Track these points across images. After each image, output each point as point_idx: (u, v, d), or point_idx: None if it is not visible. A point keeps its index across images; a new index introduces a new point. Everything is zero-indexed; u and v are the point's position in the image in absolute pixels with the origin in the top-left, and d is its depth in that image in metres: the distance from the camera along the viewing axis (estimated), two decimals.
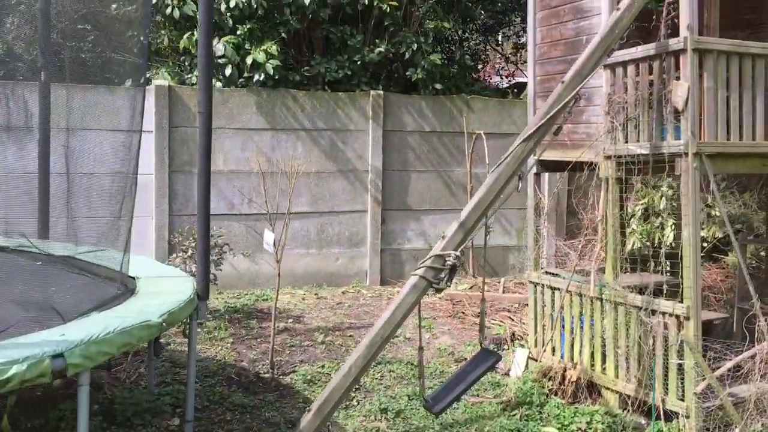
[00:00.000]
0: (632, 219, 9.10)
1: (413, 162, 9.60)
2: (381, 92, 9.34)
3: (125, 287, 4.30)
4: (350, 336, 7.28)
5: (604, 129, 5.64)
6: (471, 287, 9.05)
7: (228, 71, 8.64)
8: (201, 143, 4.26)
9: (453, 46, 10.60)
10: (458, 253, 4.44)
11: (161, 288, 4.42)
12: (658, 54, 5.14)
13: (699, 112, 5.06)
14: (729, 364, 5.05)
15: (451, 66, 10.19)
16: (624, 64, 5.45)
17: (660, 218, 8.58)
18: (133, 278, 4.63)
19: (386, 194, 9.49)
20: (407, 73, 9.60)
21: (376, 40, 9.48)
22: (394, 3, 9.37)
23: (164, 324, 3.57)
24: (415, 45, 9.42)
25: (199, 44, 4.17)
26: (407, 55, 9.50)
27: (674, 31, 5.11)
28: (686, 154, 4.99)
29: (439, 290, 4.51)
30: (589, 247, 6.11)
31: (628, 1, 4.83)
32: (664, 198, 8.73)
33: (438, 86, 9.72)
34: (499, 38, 11.31)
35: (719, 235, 8.69)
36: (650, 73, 5.25)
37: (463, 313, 8.29)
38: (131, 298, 4.22)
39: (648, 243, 8.53)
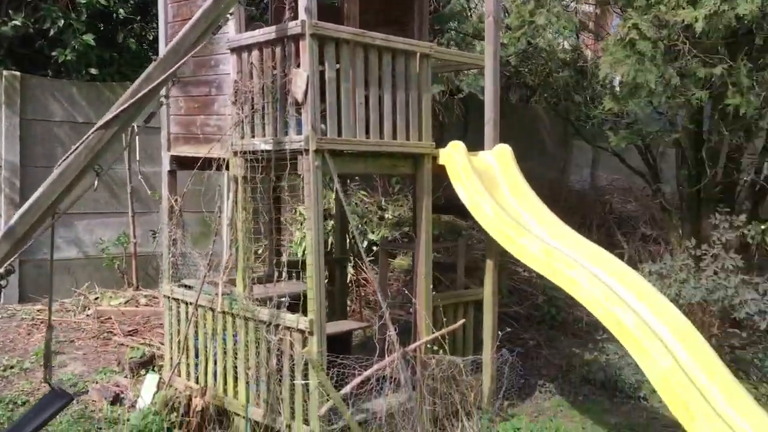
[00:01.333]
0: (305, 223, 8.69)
1: (62, 157, 8.18)
2: (18, 74, 7.80)
3: None
4: None
5: (232, 121, 4.98)
6: (127, 301, 7.95)
7: None
8: None
9: (116, 26, 9.21)
10: (1, 270, 3.42)
11: None
12: (280, 38, 4.58)
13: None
14: (355, 381, 4.65)
15: (112, 49, 8.93)
16: (249, 48, 4.82)
17: (333, 221, 8.22)
18: None
19: (26, 195, 7.92)
20: (54, 54, 8.19)
21: (10, 12, 7.93)
22: None
23: None
24: (62, 21, 8.05)
25: None
26: (52, 32, 8.09)
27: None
28: (307, 151, 4.50)
29: None
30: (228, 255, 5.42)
31: None
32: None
33: (93, 71, 8.44)
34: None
35: (389, 238, 8.59)
36: (273, 60, 4.68)
37: (111, 332, 7.16)
38: None
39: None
